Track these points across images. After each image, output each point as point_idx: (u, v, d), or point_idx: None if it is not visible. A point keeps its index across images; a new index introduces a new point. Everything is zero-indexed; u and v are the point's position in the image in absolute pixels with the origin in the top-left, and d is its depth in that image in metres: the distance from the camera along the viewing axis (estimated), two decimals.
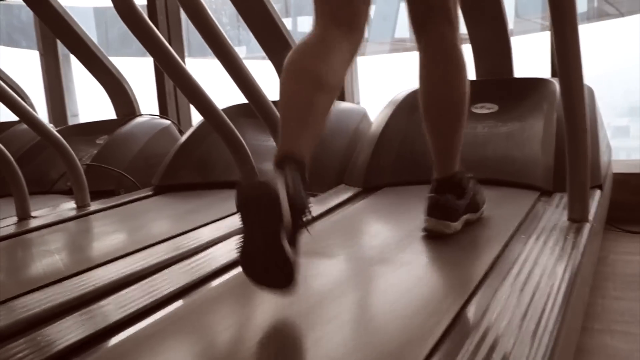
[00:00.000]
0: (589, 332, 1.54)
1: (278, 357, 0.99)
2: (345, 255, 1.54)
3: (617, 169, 2.56)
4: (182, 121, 3.66)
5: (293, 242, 1.11)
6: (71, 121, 4.14)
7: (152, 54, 1.71)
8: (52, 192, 2.97)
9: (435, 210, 1.54)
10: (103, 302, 1.30)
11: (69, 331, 1.15)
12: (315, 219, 1.90)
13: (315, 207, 2.01)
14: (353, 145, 2.53)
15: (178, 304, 1.29)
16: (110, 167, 2.91)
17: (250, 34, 3.04)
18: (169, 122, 3.40)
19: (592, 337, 1.51)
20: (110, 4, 1.67)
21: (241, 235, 1.08)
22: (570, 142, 1.59)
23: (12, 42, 4.67)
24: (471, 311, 1.11)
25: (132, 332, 1.14)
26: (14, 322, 1.24)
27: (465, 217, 1.60)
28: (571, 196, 1.64)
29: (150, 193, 2.70)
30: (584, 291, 1.37)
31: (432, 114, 1.55)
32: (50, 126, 2.54)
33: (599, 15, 4.29)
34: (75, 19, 3.40)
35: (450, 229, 1.54)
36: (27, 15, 4.48)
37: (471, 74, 2.65)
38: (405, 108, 2.44)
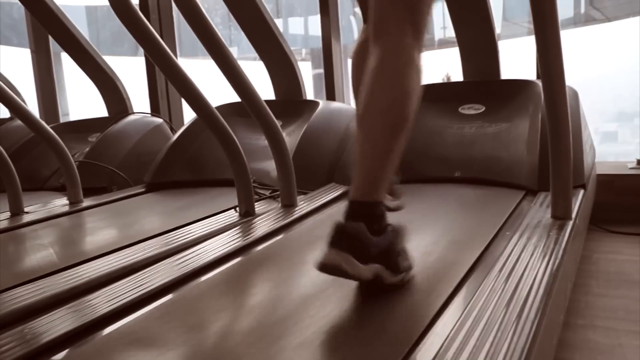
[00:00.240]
0: (572, 327, 1.59)
1: (265, 348, 1.01)
2: None
3: (602, 170, 2.61)
4: (173, 119, 3.68)
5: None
6: (62, 120, 4.15)
7: (147, 52, 1.73)
8: (44, 189, 2.99)
9: (340, 239, 1.13)
10: (95, 294, 1.32)
11: (60, 322, 1.17)
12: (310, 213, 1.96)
13: (306, 205, 2.06)
14: (343, 144, 2.56)
15: (168, 297, 1.31)
16: (103, 164, 2.93)
17: (242, 35, 3.06)
18: (161, 120, 3.42)
19: (576, 332, 1.56)
20: (102, 3, 1.69)
21: None
22: (553, 141, 1.63)
23: (3, 40, 4.65)
24: (458, 301, 1.15)
25: (122, 324, 1.16)
26: (7, 313, 1.25)
27: (377, 266, 1.16)
28: (554, 194, 1.69)
29: (142, 190, 2.72)
30: (565, 285, 1.41)
31: (370, 124, 1.23)
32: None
33: (585, 20, 4.34)
34: (68, 17, 3.41)
35: (355, 269, 1.11)
36: (19, 12, 4.47)
37: (458, 75, 2.71)
38: None
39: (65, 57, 4.24)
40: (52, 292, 1.36)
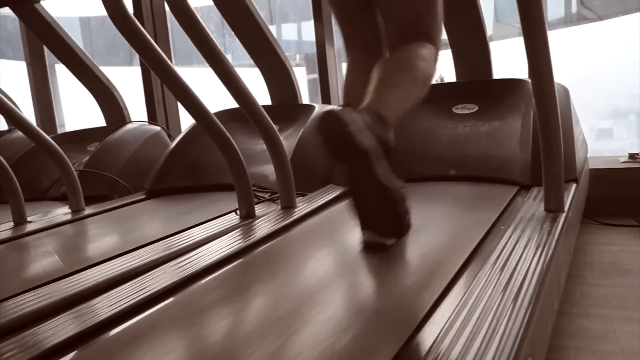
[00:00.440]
0: (567, 315, 1.63)
1: (267, 347, 1.02)
2: (334, 247, 1.61)
3: (594, 165, 2.66)
4: (170, 127, 3.72)
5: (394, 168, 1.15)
6: (59, 131, 4.18)
7: (146, 61, 1.76)
8: (45, 199, 3.02)
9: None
10: (99, 299, 1.34)
11: (66, 327, 1.19)
12: (309, 214, 1.99)
13: (305, 206, 2.10)
14: None
15: (171, 299, 1.33)
16: (103, 172, 2.96)
17: (236, 42, 3.10)
18: (159, 128, 3.45)
19: (571, 320, 1.60)
20: (95, 14, 1.72)
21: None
22: (544, 137, 1.67)
23: (1, 53, 4.69)
24: (455, 291, 1.19)
25: (126, 327, 1.18)
26: (13, 319, 1.28)
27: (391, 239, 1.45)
28: (547, 188, 1.73)
29: (142, 197, 2.75)
30: (559, 274, 1.45)
31: (389, 68, 1.40)
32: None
33: (577, 19, 4.39)
34: (63, 28, 3.44)
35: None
36: (14, 25, 4.51)
37: (451, 76, 2.75)
38: None
39: (59, 69, 4.28)
40: (57, 298, 1.38)
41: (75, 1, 4.88)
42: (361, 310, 1.15)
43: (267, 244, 1.71)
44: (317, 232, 1.80)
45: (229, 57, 4.55)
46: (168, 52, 3.76)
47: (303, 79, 3.93)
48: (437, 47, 1.48)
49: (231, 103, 2.55)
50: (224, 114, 2.77)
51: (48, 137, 2.47)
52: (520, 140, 2.23)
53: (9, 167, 2.39)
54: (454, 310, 1.07)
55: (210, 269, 1.52)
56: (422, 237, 1.55)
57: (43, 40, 3.56)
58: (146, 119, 3.70)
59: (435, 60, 1.46)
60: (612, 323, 1.56)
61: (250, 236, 1.78)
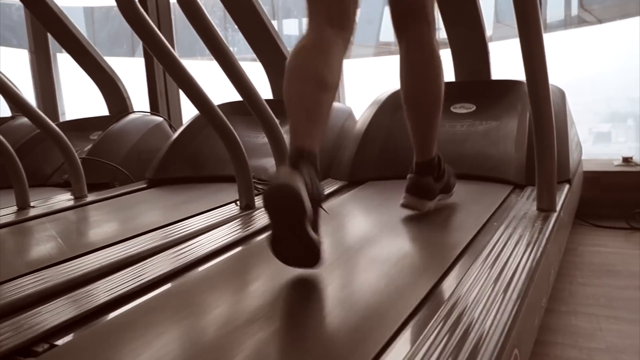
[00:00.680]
0: (555, 313, 1.68)
1: (262, 334, 1.04)
2: (332, 239, 1.63)
3: (588, 167, 2.70)
4: (172, 118, 3.75)
5: (316, 227, 1.26)
6: (59, 120, 4.21)
7: (153, 53, 1.80)
8: (46, 186, 3.05)
9: (415, 189, 1.72)
10: (100, 282, 1.38)
11: (67, 309, 1.22)
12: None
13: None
14: (339, 141, 2.64)
15: (169, 285, 1.36)
16: (105, 160, 3.00)
17: (238, 36, 3.14)
18: (161, 119, 3.49)
19: (559, 318, 1.65)
20: (99, 4, 1.75)
21: (270, 228, 1.23)
22: (538, 138, 1.72)
23: (3, 41, 4.72)
24: (447, 283, 1.23)
25: (125, 311, 1.21)
26: (15, 299, 1.30)
27: (439, 197, 1.81)
28: (539, 188, 1.77)
29: (144, 186, 2.79)
30: (548, 271, 1.49)
31: (413, 105, 1.71)
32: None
33: (577, 22, 4.42)
34: (68, 17, 3.47)
35: (426, 207, 1.74)
36: (19, 14, 4.54)
37: (450, 76, 2.79)
38: (388, 107, 2.57)
39: (60, 58, 4.31)
40: (59, 281, 1.41)
41: None
42: (355, 298, 1.20)
43: (267, 234, 1.74)
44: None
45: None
46: (172, 45, 3.78)
47: None
48: (434, 27, 1.65)
49: (231, 96, 2.59)
50: (225, 107, 2.80)
51: (53, 125, 2.51)
52: (516, 141, 2.27)
53: (14, 153, 2.42)
54: (445, 301, 1.12)
55: (211, 256, 1.56)
56: (417, 232, 1.59)
57: (48, 28, 3.59)
58: (148, 110, 3.73)
59: (439, 55, 1.68)
60: (599, 321, 1.61)
61: (250, 226, 1.82)
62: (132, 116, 3.47)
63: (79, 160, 2.62)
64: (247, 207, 2.10)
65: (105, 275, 1.43)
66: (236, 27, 3.06)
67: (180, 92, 3.76)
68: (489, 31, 2.78)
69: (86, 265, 1.52)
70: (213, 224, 1.91)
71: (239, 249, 1.63)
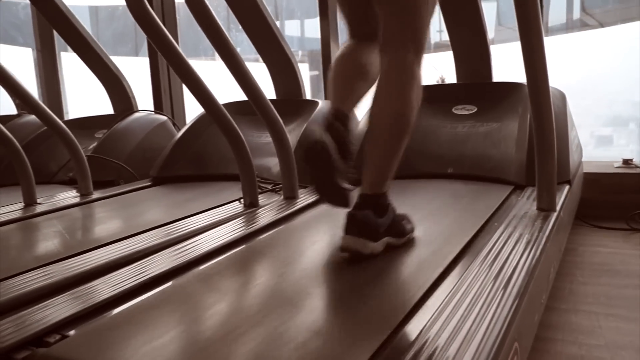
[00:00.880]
0: (556, 311, 1.71)
1: (264, 331, 1.06)
2: (334, 235, 1.65)
3: (589, 169, 2.73)
4: (176, 117, 3.78)
5: (345, 175, 1.44)
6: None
7: (162, 53, 1.83)
8: (52, 183, 3.07)
9: (353, 227, 1.41)
10: (106, 277, 1.40)
11: (75, 302, 1.24)
12: (311, 205, 2.06)
13: (306, 197, 2.17)
14: None
15: (172, 281, 1.38)
16: (111, 158, 3.03)
17: (242, 37, 3.16)
18: (165, 117, 3.51)
19: (559, 316, 1.68)
20: (104, 4, 1.78)
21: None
22: (539, 137, 1.74)
23: (9, 40, 4.75)
24: (448, 279, 1.26)
25: (129, 306, 1.23)
26: (21, 294, 1.32)
27: (386, 239, 1.46)
28: (540, 188, 1.80)
29: (148, 184, 2.82)
30: (548, 269, 1.52)
31: (375, 129, 1.47)
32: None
33: (580, 25, 4.44)
34: (75, 16, 3.50)
35: (368, 248, 1.41)
36: (25, 12, 4.57)
37: (452, 77, 2.82)
38: None
39: (64, 57, 4.34)
40: (65, 275, 1.43)
41: None
42: (358, 293, 1.22)
43: (271, 231, 1.78)
44: (318, 221, 1.87)
45: None
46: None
47: (305, 75, 3.98)
48: (421, 54, 1.51)
49: (233, 96, 2.61)
50: (229, 107, 2.82)
51: (61, 122, 2.54)
52: (517, 142, 2.30)
53: (22, 150, 2.45)
54: (446, 296, 1.14)
55: (215, 252, 1.58)
56: (419, 230, 1.61)
57: (55, 26, 3.60)
58: (152, 108, 3.76)
59: (420, 82, 1.49)
60: (599, 319, 1.64)
61: (254, 223, 1.85)
62: (136, 115, 3.50)
63: (85, 158, 2.65)
64: (251, 204, 2.12)
65: (113, 270, 1.45)
66: (239, 27, 3.09)
67: (184, 91, 3.81)
68: (490, 34, 2.80)
69: (93, 261, 1.54)
70: (217, 221, 1.93)
71: (243, 246, 1.65)
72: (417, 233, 1.59)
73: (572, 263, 2.11)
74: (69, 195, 2.65)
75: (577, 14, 4.42)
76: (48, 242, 1.90)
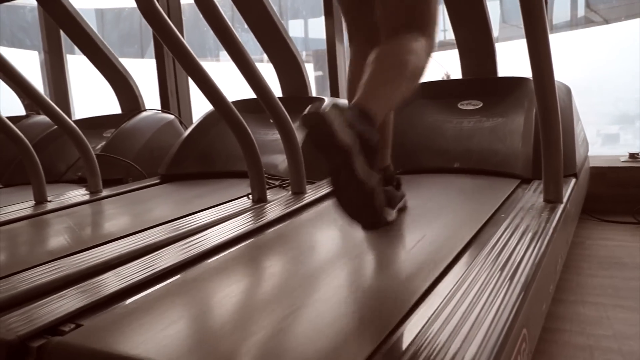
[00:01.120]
0: (563, 302, 1.71)
1: (272, 323, 1.06)
2: (341, 230, 1.67)
3: (595, 163, 2.74)
4: (183, 116, 3.81)
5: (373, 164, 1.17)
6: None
7: (172, 53, 1.85)
8: (61, 182, 3.10)
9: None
10: (118, 270, 1.42)
11: (88, 294, 1.26)
12: (319, 200, 2.08)
13: (314, 192, 2.18)
14: None
15: (181, 273, 1.39)
16: (119, 157, 3.06)
17: (248, 36, 3.18)
18: (172, 116, 3.54)
19: (567, 307, 1.69)
20: (110, 6, 1.80)
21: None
22: (544, 130, 1.75)
23: (16, 42, 4.79)
24: (456, 268, 1.27)
25: (143, 295, 1.25)
26: (33, 287, 1.34)
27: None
28: (546, 180, 1.81)
29: (157, 181, 2.85)
30: (555, 259, 1.52)
31: (379, 64, 1.33)
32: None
33: (584, 22, 4.44)
34: (84, 18, 3.53)
35: (392, 216, 1.61)
36: (32, 15, 4.61)
37: (457, 73, 2.82)
38: None
39: (70, 59, 4.37)
40: (78, 269, 1.46)
41: None
42: (367, 284, 1.24)
43: (279, 225, 1.79)
44: (325, 216, 1.88)
45: None
46: None
47: (310, 75, 4.01)
48: (431, 38, 1.41)
49: (237, 95, 2.63)
50: (236, 105, 2.84)
51: (71, 122, 2.57)
52: (523, 136, 2.30)
53: (32, 149, 2.48)
54: (455, 283, 1.16)
55: (224, 246, 1.59)
56: (427, 222, 1.63)
57: (64, 29, 3.63)
58: (159, 108, 3.78)
59: (428, 53, 1.39)
60: (606, 310, 1.65)
61: (262, 218, 1.86)
62: (144, 114, 3.53)
63: (94, 156, 2.68)
64: (259, 200, 2.14)
65: (124, 263, 1.48)
66: (244, 26, 3.11)
67: (190, 90, 3.84)
68: (495, 32, 2.80)
69: (105, 254, 1.57)
70: (226, 216, 1.95)
71: (251, 240, 1.66)
72: (425, 225, 1.60)
73: (579, 256, 2.11)
74: (79, 193, 2.68)
75: (581, 10, 4.42)
76: (60, 237, 1.93)
